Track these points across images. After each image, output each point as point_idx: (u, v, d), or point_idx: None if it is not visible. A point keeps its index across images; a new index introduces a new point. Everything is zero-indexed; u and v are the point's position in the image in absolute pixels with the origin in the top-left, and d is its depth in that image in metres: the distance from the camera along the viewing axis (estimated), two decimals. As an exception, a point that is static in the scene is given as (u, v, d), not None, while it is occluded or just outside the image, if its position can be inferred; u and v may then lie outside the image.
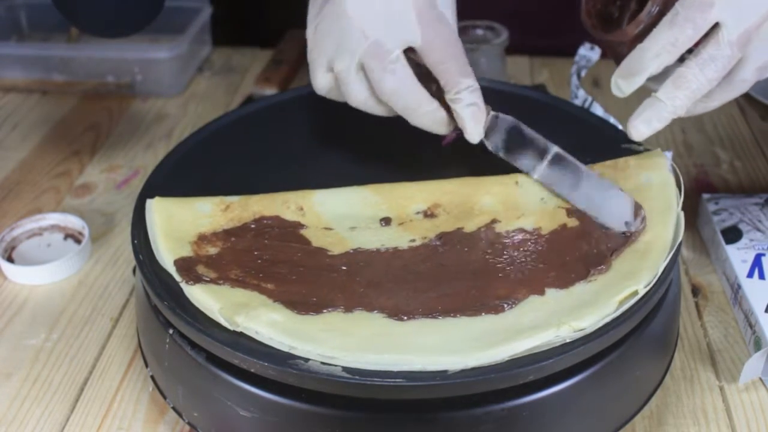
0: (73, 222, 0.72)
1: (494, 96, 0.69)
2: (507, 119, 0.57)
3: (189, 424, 0.51)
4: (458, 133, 0.56)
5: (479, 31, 0.89)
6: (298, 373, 0.44)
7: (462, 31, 0.89)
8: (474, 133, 0.55)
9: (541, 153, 0.56)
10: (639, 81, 0.53)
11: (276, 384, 0.45)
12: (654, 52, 0.52)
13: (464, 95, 0.54)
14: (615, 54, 0.56)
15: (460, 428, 0.45)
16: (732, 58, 0.51)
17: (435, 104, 0.55)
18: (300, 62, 1.01)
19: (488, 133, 0.56)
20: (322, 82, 0.57)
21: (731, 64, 0.52)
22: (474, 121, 0.55)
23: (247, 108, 0.69)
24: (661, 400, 0.56)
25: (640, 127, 0.54)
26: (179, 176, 0.61)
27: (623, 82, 0.54)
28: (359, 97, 0.56)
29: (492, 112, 0.57)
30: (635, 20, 0.54)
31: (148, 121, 0.91)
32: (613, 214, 0.53)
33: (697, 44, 0.52)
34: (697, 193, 0.76)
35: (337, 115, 0.68)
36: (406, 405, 0.45)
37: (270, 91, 0.93)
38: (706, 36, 0.51)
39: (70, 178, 0.82)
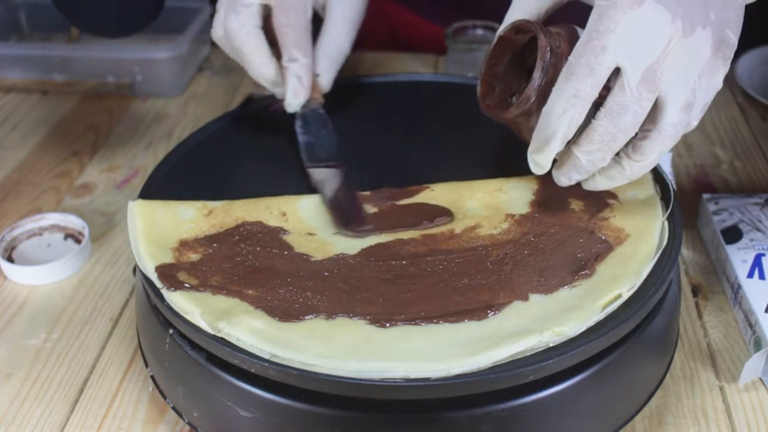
0: (73, 222, 0.72)
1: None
2: (325, 119, 0.63)
3: (189, 424, 0.51)
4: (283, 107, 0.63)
5: (479, 31, 0.89)
6: (298, 373, 0.44)
7: (462, 31, 0.89)
8: (289, 103, 0.63)
9: (324, 159, 0.61)
10: (554, 147, 0.49)
11: (276, 384, 0.45)
12: (559, 109, 0.47)
13: (292, 66, 0.61)
14: (528, 131, 0.52)
15: (460, 428, 0.45)
16: (643, 102, 0.47)
17: (266, 59, 0.62)
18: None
19: (306, 117, 0.63)
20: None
21: (645, 109, 0.48)
22: (293, 91, 0.62)
23: (247, 108, 0.69)
24: (661, 400, 0.56)
25: (561, 179, 0.52)
26: (179, 176, 0.61)
27: (539, 156, 0.50)
28: (216, 32, 0.66)
29: (320, 102, 0.64)
30: (531, 78, 0.50)
31: (148, 121, 0.91)
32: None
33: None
34: (697, 193, 0.76)
35: (337, 116, 0.68)
36: (406, 405, 0.45)
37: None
38: (614, 83, 0.48)
39: (70, 178, 0.82)
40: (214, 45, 1.05)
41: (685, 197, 0.76)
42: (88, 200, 0.78)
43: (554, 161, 0.52)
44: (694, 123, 0.51)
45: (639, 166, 0.51)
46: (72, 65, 0.95)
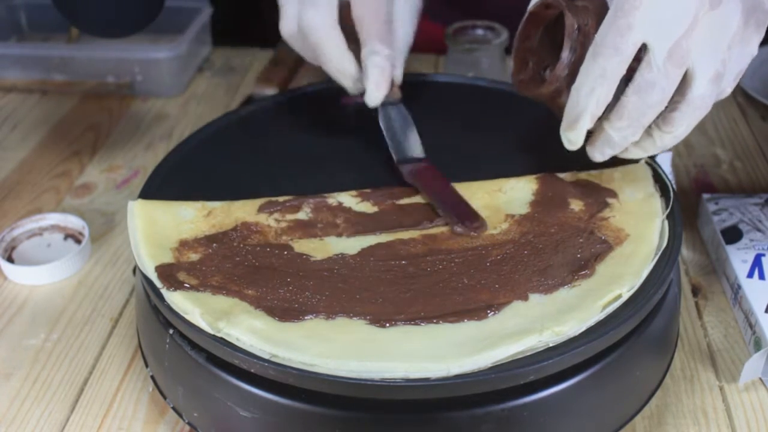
0: (73, 222, 0.72)
1: (495, 96, 0.70)
2: (405, 113, 0.62)
3: (189, 424, 0.51)
4: (360, 100, 0.60)
5: (479, 31, 0.89)
6: (298, 373, 0.44)
7: (462, 31, 0.89)
8: (372, 96, 0.59)
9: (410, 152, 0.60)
10: (584, 124, 0.50)
11: (276, 384, 0.45)
12: (587, 88, 0.49)
13: (375, 58, 0.58)
14: (560, 108, 0.53)
15: (460, 428, 0.45)
16: (671, 78, 0.48)
17: (346, 54, 0.59)
18: (300, 62, 1.01)
19: (387, 111, 0.61)
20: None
21: (674, 84, 0.48)
22: (375, 84, 0.58)
23: (247, 108, 0.69)
24: (661, 400, 0.56)
25: (596, 155, 0.53)
26: (179, 176, 0.61)
27: (570, 133, 0.51)
28: (288, 28, 0.61)
29: (398, 97, 0.61)
30: (560, 58, 0.51)
31: (148, 121, 0.91)
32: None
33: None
34: (697, 193, 0.76)
35: (337, 116, 0.68)
36: (406, 405, 0.45)
37: (270, 91, 0.93)
38: (642, 59, 0.48)
39: (70, 178, 0.82)
40: (214, 45, 1.06)
41: (685, 197, 0.76)
42: (88, 200, 0.78)
43: (588, 137, 0.52)
44: (729, 90, 0.51)
45: (670, 137, 0.51)
46: (72, 65, 0.95)
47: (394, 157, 0.60)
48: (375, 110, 0.61)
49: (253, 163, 0.62)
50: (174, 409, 0.52)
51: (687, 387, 0.57)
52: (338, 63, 0.59)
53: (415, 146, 0.61)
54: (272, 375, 0.45)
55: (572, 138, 0.52)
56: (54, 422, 0.56)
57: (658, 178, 0.58)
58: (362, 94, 0.60)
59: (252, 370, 0.45)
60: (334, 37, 0.58)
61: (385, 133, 0.61)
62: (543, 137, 0.61)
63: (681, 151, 0.83)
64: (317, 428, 0.46)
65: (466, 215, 0.55)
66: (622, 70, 0.48)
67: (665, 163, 0.74)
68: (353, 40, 0.59)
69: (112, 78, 0.95)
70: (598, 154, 0.53)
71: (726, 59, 0.49)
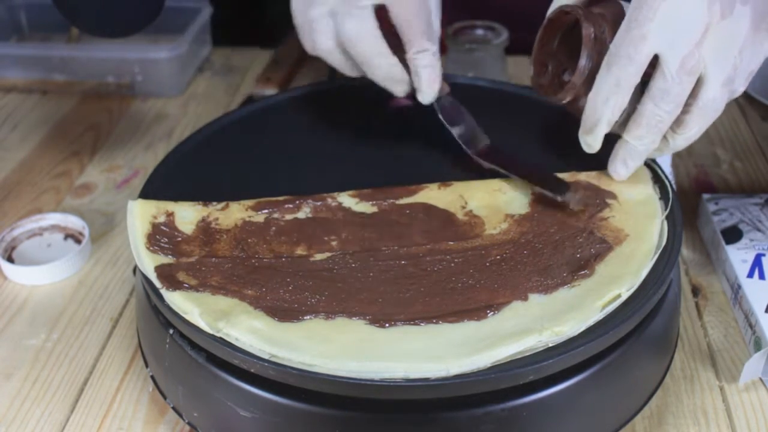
0: (73, 222, 0.72)
1: (494, 96, 0.70)
2: (458, 105, 0.62)
3: (189, 424, 0.51)
4: (408, 101, 0.61)
5: (479, 31, 0.89)
6: (298, 373, 0.44)
7: (462, 31, 0.89)
8: (426, 95, 0.60)
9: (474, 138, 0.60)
10: (601, 130, 0.53)
11: (276, 384, 0.45)
12: (602, 97, 0.51)
13: (423, 56, 0.58)
14: (579, 111, 0.55)
15: (460, 428, 0.45)
16: (684, 86, 0.50)
17: (393, 59, 0.58)
18: (300, 62, 1.01)
19: (442, 105, 0.61)
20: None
21: (687, 90, 0.50)
22: (428, 83, 0.59)
23: (247, 108, 0.69)
24: (661, 400, 0.56)
25: (619, 169, 0.55)
26: (179, 176, 0.61)
27: (588, 137, 0.54)
28: (324, 45, 0.59)
29: (447, 90, 0.62)
30: (577, 66, 0.53)
31: (148, 121, 0.91)
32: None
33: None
34: (697, 193, 0.76)
35: (337, 116, 0.68)
36: (406, 405, 0.45)
37: (270, 91, 0.93)
38: (655, 68, 0.50)
39: (70, 178, 0.82)
40: (214, 45, 1.06)
41: (685, 197, 0.76)
42: (88, 200, 0.78)
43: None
44: (741, 89, 0.53)
45: (682, 139, 0.53)
46: (72, 65, 0.95)
47: (468, 150, 0.60)
48: (428, 107, 0.61)
49: (252, 163, 0.62)
50: (174, 409, 0.52)
51: (687, 387, 0.57)
52: (387, 70, 0.58)
53: (479, 133, 0.61)
54: (272, 375, 0.45)
55: (590, 142, 0.54)
56: (54, 422, 0.56)
57: (657, 178, 0.58)
58: (411, 94, 0.61)
59: (252, 370, 0.45)
60: (379, 45, 0.58)
61: (448, 127, 0.61)
62: (543, 138, 0.61)
63: (681, 151, 0.83)
64: (317, 428, 0.46)
65: (558, 186, 0.55)
66: (637, 79, 0.50)
67: (665, 163, 0.74)
68: (391, 44, 0.59)
69: (112, 78, 0.96)
70: (622, 166, 0.55)
71: (737, 63, 0.50)
